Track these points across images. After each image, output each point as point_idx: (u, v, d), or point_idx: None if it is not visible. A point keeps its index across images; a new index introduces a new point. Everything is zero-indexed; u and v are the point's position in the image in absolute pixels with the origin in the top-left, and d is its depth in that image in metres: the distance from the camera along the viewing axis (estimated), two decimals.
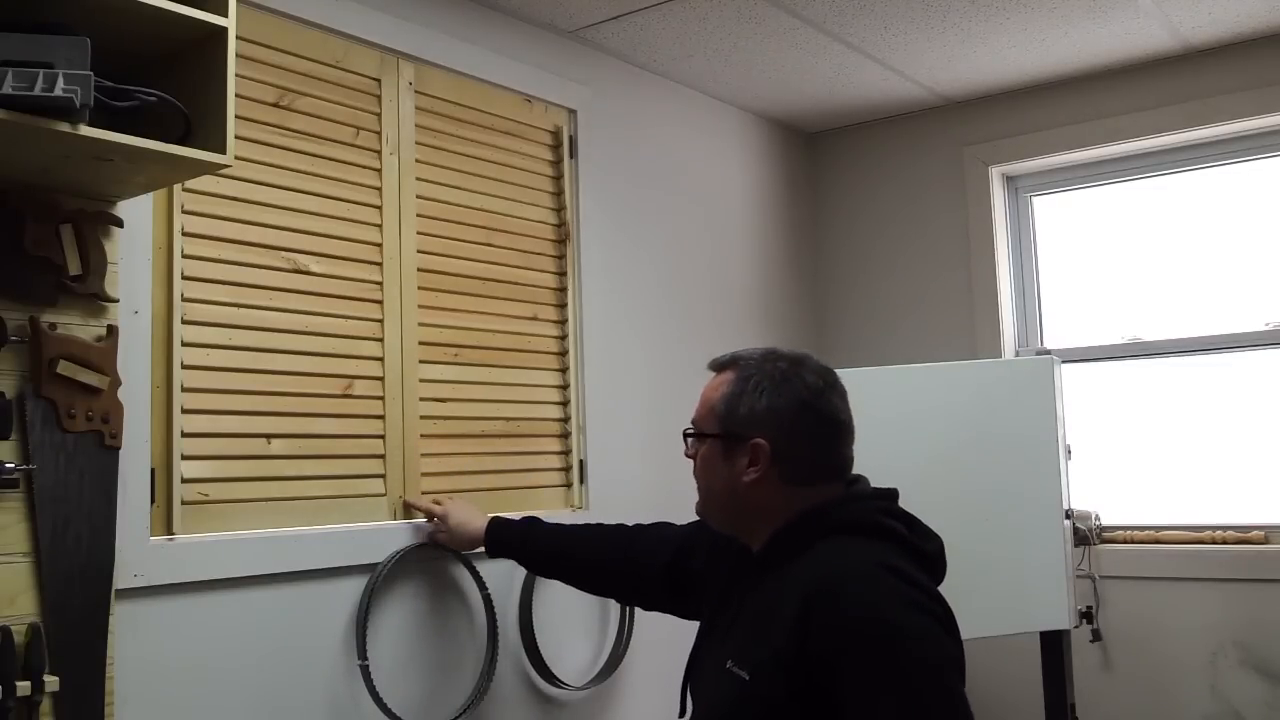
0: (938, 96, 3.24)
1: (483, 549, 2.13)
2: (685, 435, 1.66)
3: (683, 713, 1.65)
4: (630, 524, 2.08)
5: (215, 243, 1.92)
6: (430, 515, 2.15)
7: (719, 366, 1.66)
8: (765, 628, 1.48)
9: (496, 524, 2.13)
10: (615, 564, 2.02)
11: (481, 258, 2.40)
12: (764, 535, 1.58)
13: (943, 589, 1.62)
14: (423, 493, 2.21)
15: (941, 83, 3.11)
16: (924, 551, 1.55)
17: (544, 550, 2.10)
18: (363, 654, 2.00)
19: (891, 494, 1.63)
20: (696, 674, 1.66)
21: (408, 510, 2.18)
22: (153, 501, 1.77)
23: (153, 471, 1.77)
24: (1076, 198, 3.25)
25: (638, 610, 2.57)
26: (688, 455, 1.67)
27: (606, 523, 2.12)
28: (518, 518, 2.15)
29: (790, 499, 1.56)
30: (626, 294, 2.76)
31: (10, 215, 1.55)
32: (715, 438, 1.60)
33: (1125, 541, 2.97)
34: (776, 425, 1.55)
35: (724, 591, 1.67)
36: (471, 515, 2.14)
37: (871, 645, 1.38)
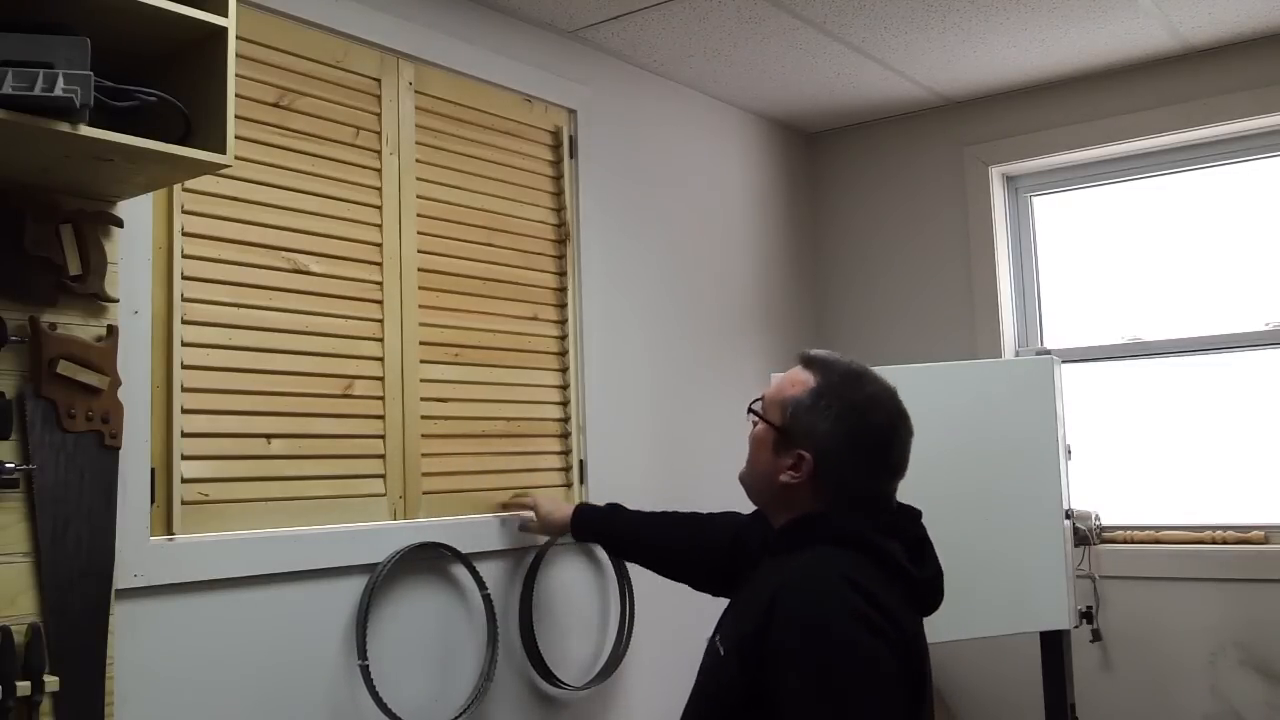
0: (938, 96, 3.24)
1: (570, 536, 2.27)
2: (750, 410, 1.73)
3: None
4: (707, 512, 2.15)
5: (215, 243, 1.92)
6: (523, 508, 2.32)
7: (806, 362, 1.70)
8: (746, 611, 1.58)
9: (583, 509, 2.25)
10: (683, 552, 2.10)
11: (481, 258, 2.40)
12: (781, 521, 1.68)
13: (943, 588, 1.68)
14: (424, 493, 2.21)
15: (941, 83, 3.11)
16: (912, 577, 1.60)
17: (625, 536, 2.21)
18: (363, 654, 2.00)
19: (910, 513, 1.70)
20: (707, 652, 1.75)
21: (409, 511, 2.18)
22: (153, 501, 1.77)
23: (153, 471, 1.77)
24: (1076, 198, 3.25)
25: (638, 610, 2.57)
26: (750, 423, 1.74)
27: (683, 511, 2.19)
28: (602, 504, 2.27)
29: (812, 505, 1.63)
30: (626, 294, 2.76)
31: (10, 215, 1.55)
32: (773, 427, 1.67)
33: (1125, 541, 2.97)
34: (828, 449, 1.61)
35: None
36: (558, 503, 2.31)
37: (809, 650, 1.45)
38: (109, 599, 1.62)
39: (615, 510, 2.24)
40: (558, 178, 2.61)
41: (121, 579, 1.67)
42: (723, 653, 1.57)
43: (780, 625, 1.48)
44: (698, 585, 2.11)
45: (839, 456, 1.61)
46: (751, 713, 1.50)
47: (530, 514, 2.30)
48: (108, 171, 1.52)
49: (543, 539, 2.37)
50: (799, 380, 1.66)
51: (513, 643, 2.33)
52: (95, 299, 1.64)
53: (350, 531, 2.05)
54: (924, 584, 1.62)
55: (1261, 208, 2.94)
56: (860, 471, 1.62)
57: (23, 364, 1.56)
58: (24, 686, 1.48)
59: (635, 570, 2.55)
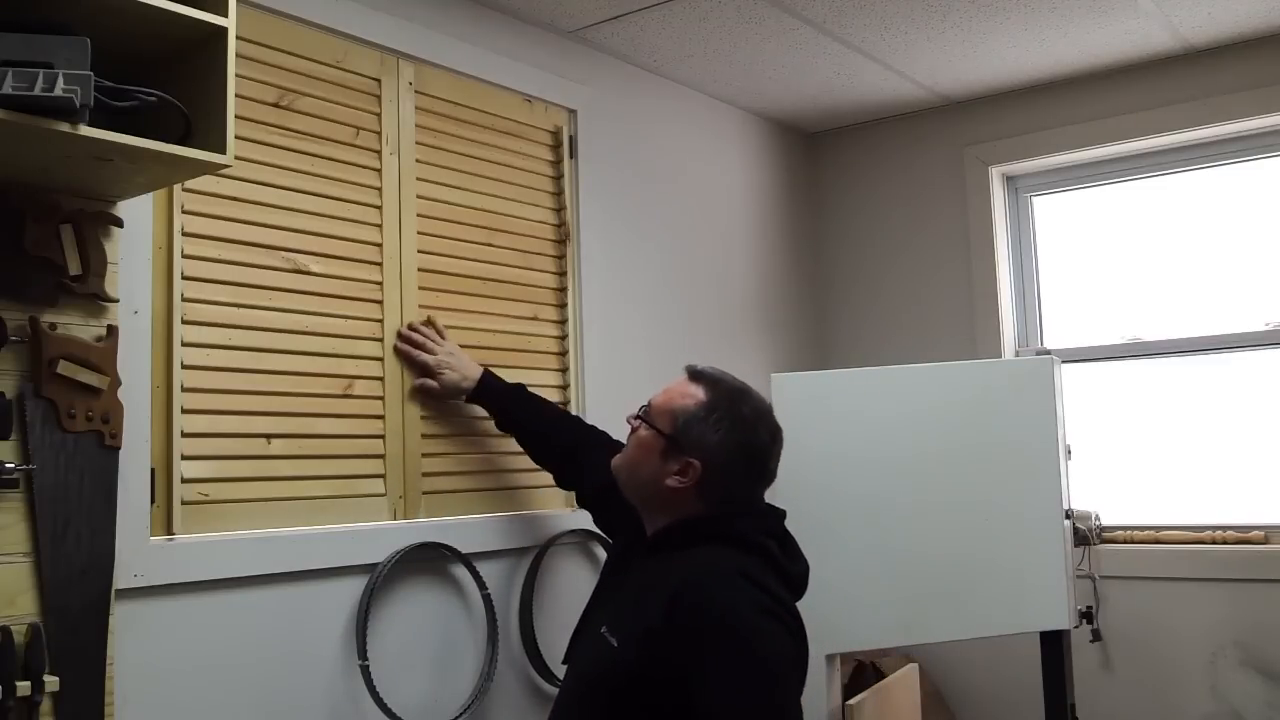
0: (938, 96, 3.24)
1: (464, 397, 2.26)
2: (639, 414, 1.87)
3: (566, 660, 1.89)
4: (596, 428, 2.29)
5: (215, 243, 1.92)
6: (427, 349, 2.20)
7: (694, 375, 1.85)
8: (640, 605, 1.71)
9: (489, 377, 2.24)
10: (562, 460, 2.24)
11: (481, 258, 2.40)
12: (661, 522, 1.82)
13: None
14: (424, 493, 2.21)
15: (941, 83, 3.11)
16: (788, 571, 1.78)
17: (517, 414, 2.26)
18: (363, 654, 2.00)
19: (778, 513, 1.86)
20: (584, 630, 1.89)
21: (409, 511, 2.18)
22: (153, 501, 1.77)
23: (153, 471, 1.77)
24: (1076, 198, 3.25)
25: None
26: (629, 421, 1.89)
27: (572, 416, 2.39)
28: (508, 382, 2.27)
29: (696, 507, 1.79)
30: (626, 294, 2.76)
31: (10, 215, 1.55)
32: (662, 435, 1.81)
33: (1125, 541, 2.97)
34: (718, 459, 1.78)
35: (619, 558, 1.95)
36: (463, 362, 2.24)
37: (723, 638, 1.62)
38: (109, 599, 1.62)
39: (518, 389, 2.27)
40: (558, 178, 2.61)
41: (121, 579, 1.67)
42: (616, 643, 1.70)
43: (691, 617, 1.62)
44: (561, 486, 2.30)
45: (726, 466, 1.78)
46: (648, 698, 1.64)
47: (432, 383, 2.20)
48: (108, 171, 1.52)
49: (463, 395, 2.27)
50: (688, 393, 1.82)
51: (513, 643, 2.33)
52: (95, 299, 1.64)
53: (350, 531, 2.05)
54: (796, 577, 1.80)
55: (1261, 208, 2.94)
56: (743, 480, 1.81)
57: (23, 364, 1.56)
58: (24, 686, 1.48)
59: None
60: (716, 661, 1.60)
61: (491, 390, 2.24)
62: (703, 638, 1.62)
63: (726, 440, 1.78)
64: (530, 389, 2.31)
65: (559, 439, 2.25)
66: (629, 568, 1.87)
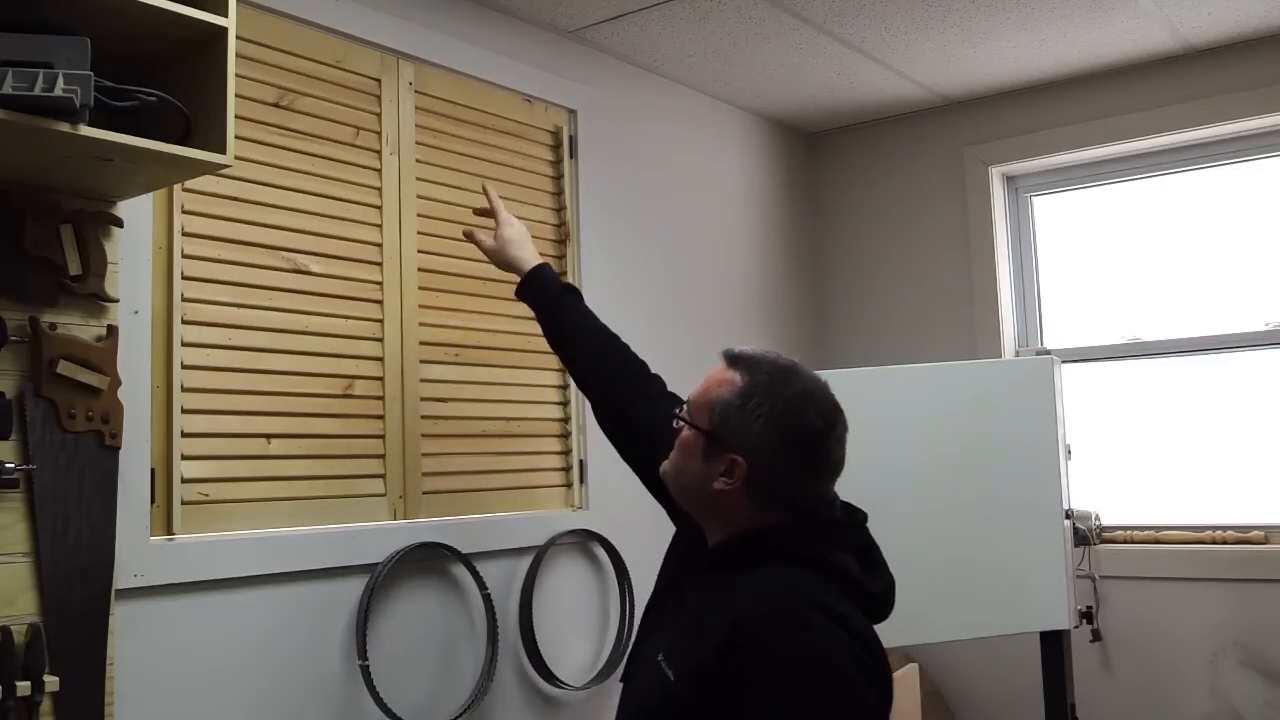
0: (938, 96, 3.24)
1: (515, 280, 2.06)
2: (675, 414, 1.64)
3: (625, 679, 1.66)
4: (653, 372, 2.00)
5: (215, 243, 1.92)
6: (491, 213, 2.11)
7: (732, 360, 1.60)
8: (697, 634, 1.48)
9: (543, 273, 2.03)
10: (613, 395, 1.97)
11: (482, 258, 2.39)
12: (719, 534, 1.58)
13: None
14: (424, 493, 2.21)
15: (941, 83, 3.11)
16: (869, 591, 1.53)
17: (567, 328, 2.02)
18: (363, 654, 2.00)
19: (856, 521, 1.61)
20: (641, 649, 1.66)
21: (409, 511, 2.18)
22: (153, 501, 1.77)
23: (153, 471, 1.77)
24: (1076, 198, 3.25)
25: (638, 610, 2.56)
26: (674, 424, 1.64)
27: (631, 352, 2.01)
28: (562, 284, 2.04)
29: (753, 514, 1.54)
30: (626, 294, 2.76)
31: (10, 215, 1.55)
32: (701, 432, 1.56)
33: (1125, 541, 2.97)
34: (761, 451, 1.52)
35: (675, 571, 1.70)
36: (524, 244, 2.07)
37: (786, 684, 1.38)
38: (109, 599, 1.62)
39: (571, 295, 2.03)
40: (558, 178, 2.61)
41: (121, 579, 1.67)
42: (672, 676, 1.47)
43: (754, 656, 1.41)
44: (600, 421, 2.01)
45: (773, 459, 1.51)
46: None
47: (488, 236, 2.09)
48: (108, 171, 1.52)
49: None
50: (725, 380, 1.56)
51: (513, 643, 2.33)
52: (95, 299, 1.64)
53: (350, 531, 2.05)
54: (877, 597, 1.54)
55: (1261, 208, 2.94)
56: (796, 473, 1.53)
57: (23, 364, 1.56)
58: (24, 686, 1.49)
59: (635, 570, 2.55)
60: (780, 712, 1.37)
61: (542, 283, 2.01)
62: (762, 685, 1.39)
63: (769, 429, 1.51)
64: (565, 327, 2.03)
65: (610, 377, 1.98)
66: (687, 580, 1.64)
